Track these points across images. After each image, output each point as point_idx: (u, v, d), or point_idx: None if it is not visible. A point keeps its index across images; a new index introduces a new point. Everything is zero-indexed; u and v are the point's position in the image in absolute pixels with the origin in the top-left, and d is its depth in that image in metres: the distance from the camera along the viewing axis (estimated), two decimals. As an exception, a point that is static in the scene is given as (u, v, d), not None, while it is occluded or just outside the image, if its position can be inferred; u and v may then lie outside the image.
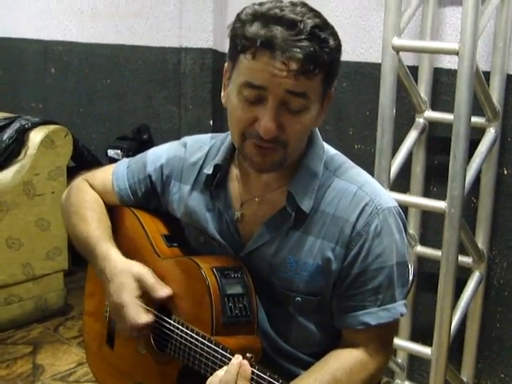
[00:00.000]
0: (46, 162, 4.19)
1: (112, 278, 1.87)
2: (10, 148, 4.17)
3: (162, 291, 1.82)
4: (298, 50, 1.60)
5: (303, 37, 1.61)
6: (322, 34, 1.64)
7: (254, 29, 1.64)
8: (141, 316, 1.80)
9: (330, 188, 1.84)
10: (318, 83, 1.69)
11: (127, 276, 1.84)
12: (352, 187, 1.82)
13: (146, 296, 1.85)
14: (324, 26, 1.67)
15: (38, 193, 4.17)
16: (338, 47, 1.71)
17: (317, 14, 1.69)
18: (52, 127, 4.24)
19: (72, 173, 4.01)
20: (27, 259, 4.20)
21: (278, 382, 1.55)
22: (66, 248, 4.35)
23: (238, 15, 1.71)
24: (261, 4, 1.70)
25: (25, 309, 4.27)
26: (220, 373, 1.61)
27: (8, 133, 4.22)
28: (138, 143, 4.64)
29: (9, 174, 4.12)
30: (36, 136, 4.19)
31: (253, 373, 1.58)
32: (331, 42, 1.67)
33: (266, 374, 1.57)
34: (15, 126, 4.24)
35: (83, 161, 4.51)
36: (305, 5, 1.70)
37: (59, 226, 4.26)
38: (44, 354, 3.97)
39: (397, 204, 1.87)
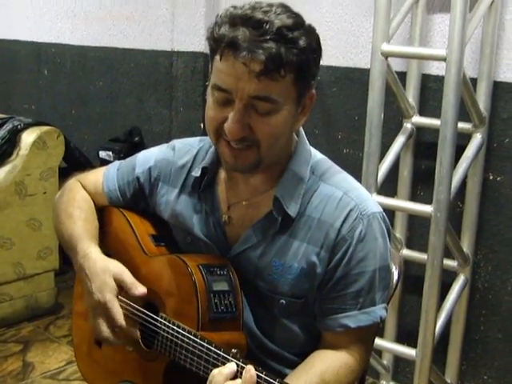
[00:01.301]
0: (37, 163, 4.19)
1: (93, 277, 1.86)
2: (2, 148, 4.17)
3: (138, 290, 1.82)
4: (261, 51, 1.58)
5: (268, 37, 1.59)
6: (290, 34, 1.62)
7: (222, 30, 1.64)
8: (121, 316, 1.79)
9: (316, 193, 1.84)
10: (287, 85, 1.67)
11: (108, 275, 1.84)
12: (338, 192, 1.82)
13: (125, 294, 1.86)
14: (295, 26, 1.64)
15: (29, 193, 4.17)
16: (311, 48, 1.67)
17: (292, 15, 1.67)
18: (44, 128, 4.24)
19: (64, 173, 4.01)
20: (18, 258, 4.21)
21: (275, 380, 1.55)
22: (56, 248, 4.35)
23: (216, 18, 1.71)
24: (239, 7, 1.69)
25: (15, 307, 4.27)
26: (224, 370, 1.59)
27: (0, 133, 4.22)
28: (129, 145, 4.65)
29: (1, 174, 4.12)
30: (28, 137, 4.19)
31: (259, 377, 1.56)
32: (301, 43, 1.63)
33: (262, 373, 1.56)
34: (8, 126, 4.25)
35: (75, 162, 4.51)
36: (282, 6, 1.68)
37: (50, 226, 4.17)
38: (34, 352, 3.97)
39: (381, 210, 1.86)
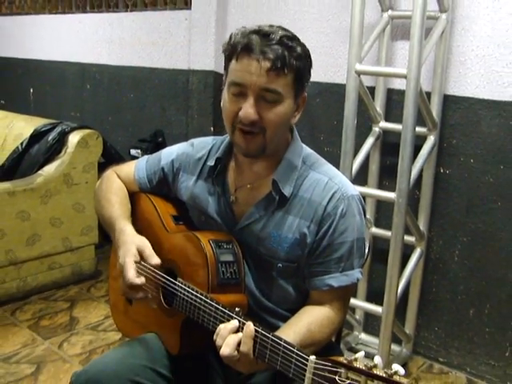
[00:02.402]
0: (81, 159, 4.18)
1: (121, 246, 1.87)
2: (53, 147, 4.17)
3: (153, 260, 1.81)
4: (270, 52, 1.66)
5: (274, 42, 1.68)
6: (290, 43, 1.70)
7: (237, 38, 1.72)
8: (134, 278, 1.78)
9: (306, 178, 1.85)
10: (289, 82, 1.72)
11: (133, 246, 1.84)
12: (324, 178, 1.84)
13: (143, 263, 1.86)
14: (292, 38, 1.73)
15: (75, 182, 4.16)
16: (305, 56, 1.75)
17: (289, 32, 1.75)
18: (87, 131, 4.23)
19: (102, 167, 4.02)
20: (66, 234, 4.20)
21: (259, 328, 1.57)
22: (96, 226, 4.35)
23: (229, 36, 1.78)
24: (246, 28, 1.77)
25: (64, 273, 4.27)
26: (228, 326, 1.61)
27: (52, 135, 4.21)
28: (154, 145, 4.65)
29: (52, 167, 4.12)
30: (74, 138, 4.18)
31: (257, 331, 1.58)
32: (298, 49, 1.72)
33: (258, 327, 1.58)
34: (58, 129, 4.24)
35: (111, 158, 4.48)
36: (281, 27, 1.75)
37: (92, 208, 4.23)
38: (79, 309, 3.97)
39: (359, 193, 1.88)
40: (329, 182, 1.83)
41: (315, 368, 1.42)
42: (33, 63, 6.17)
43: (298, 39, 1.75)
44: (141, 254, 1.84)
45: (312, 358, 1.44)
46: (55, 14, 5.85)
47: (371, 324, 3.70)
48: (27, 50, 6.22)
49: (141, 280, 1.79)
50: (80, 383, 1.78)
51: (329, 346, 1.90)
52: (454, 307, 3.39)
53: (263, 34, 1.70)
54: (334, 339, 2.11)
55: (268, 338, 1.56)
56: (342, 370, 1.35)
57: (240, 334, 1.59)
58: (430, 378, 3.36)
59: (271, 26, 1.75)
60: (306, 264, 1.84)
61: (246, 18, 4.06)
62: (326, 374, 1.39)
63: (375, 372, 1.29)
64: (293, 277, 1.87)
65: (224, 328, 1.61)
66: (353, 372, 1.33)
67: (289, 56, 1.68)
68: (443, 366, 3.47)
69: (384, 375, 1.27)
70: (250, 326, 1.59)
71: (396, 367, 1.28)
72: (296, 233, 1.82)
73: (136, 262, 1.81)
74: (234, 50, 1.72)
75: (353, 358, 1.34)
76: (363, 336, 3.71)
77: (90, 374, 1.78)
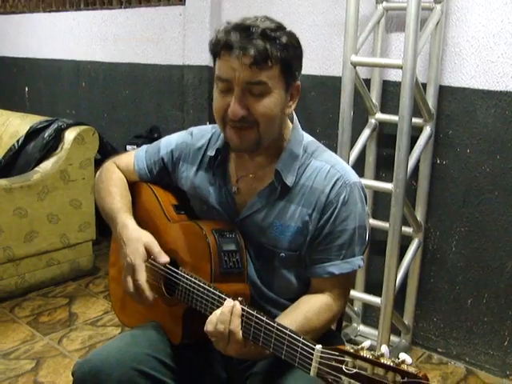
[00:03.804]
0: (78, 155, 4.16)
1: (128, 243, 1.85)
2: (49, 143, 4.15)
3: (162, 259, 1.81)
4: (250, 47, 1.62)
5: (255, 36, 1.63)
6: (273, 34, 1.66)
7: (219, 36, 1.68)
8: (144, 281, 1.78)
9: (308, 166, 1.83)
10: (275, 73, 1.68)
11: (140, 243, 1.83)
12: (326, 166, 1.82)
13: (151, 260, 1.85)
14: (277, 28, 1.68)
15: (71, 179, 4.15)
16: (293, 45, 1.71)
17: (274, 22, 1.72)
18: (83, 127, 4.22)
19: (98, 163, 4.01)
20: (64, 231, 4.19)
21: (264, 317, 1.56)
22: (94, 222, 4.34)
23: (214, 32, 1.75)
24: (233, 21, 1.73)
25: (62, 270, 4.26)
26: (217, 311, 1.62)
27: (48, 132, 4.20)
28: (150, 140, 4.54)
29: (49, 164, 4.10)
30: (70, 134, 4.16)
31: (243, 310, 1.59)
32: (283, 39, 1.67)
33: (254, 311, 1.58)
34: (54, 126, 4.22)
35: (107, 154, 4.45)
36: (266, 17, 1.72)
37: (89, 204, 4.26)
38: (77, 305, 3.95)
39: (360, 180, 1.87)
40: (331, 170, 1.81)
41: (321, 357, 1.40)
42: (28, 62, 6.15)
43: (284, 28, 1.72)
44: (149, 252, 1.83)
45: (318, 347, 1.42)
46: (49, 12, 5.83)
47: (370, 316, 3.70)
48: (22, 48, 6.19)
49: (152, 295, 1.80)
50: (82, 372, 1.76)
51: (330, 335, 1.89)
52: (452, 297, 3.38)
53: (243, 29, 1.66)
54: (334, 328, 2.10)
55: (262, 321, 1.55)
56: (349, 359, 1.34)
57: (220, 311, 1.61)
58: (429, 368, 3.35)
59: (255, 17, 1.71)
60: (307, 252, 1.83)
61: (240, 12, 4.04)
62: (333, 363, 1.37)
63: (382, 361, 1.27)
64: (295, 266, 1.86)
65: (213, 314, 1.63)
66: (360, 361, 1.32)
67: (271, 48, 1.64)
68: (442, 357, 3.46)
69: (391, 364, 1.26)
70: (236, 305, 1.60)
71: (403, 356, 1.27)
72: (298, 221, 1.80)
73: (145, 262, 1.81)
74: (216, 48, 1.70)
75: (359, 347, 1.33)
76: (362, 328, 3.70)
77: (92, 362, 1.76)
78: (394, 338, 3.45)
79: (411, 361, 1.27)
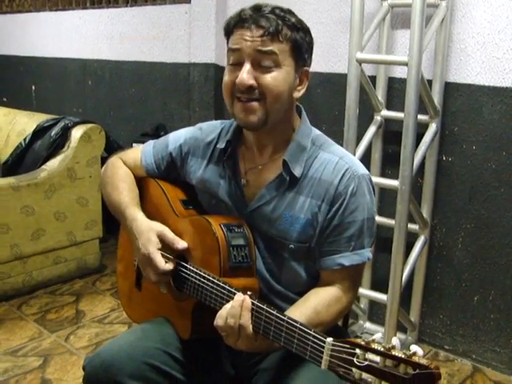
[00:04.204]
0: (84, 153, 4.18)
1: (139, 235, 1.86)
2: (56, 142, 4.17)
3: (180, 244, 1.82)
4: (262, 20, 1.70)
5: (266, 12, 1.72)
6: (282, 13, 1.74)
7: (233, 16, 1.77)
8: (164, 264, 1.80)
9: (316, 159, 1.84)
10: (285, 48, 1.73)
11: (152, 233, 1.84)
12: (334, 158, 1.83)
13: (166, 248, 1.85)
14: (286, 10, 1.77)
15: (78, 177, 4.16)
16: (301, 26, 1.78)
17: (284, 7, 1.79)
18: (89, 125, 4.23)
19: (105, 161, 3.99)
20: (70, 229, 4.20)
21: (274, 311, 1.56)
22: (100, 220, 4.35)
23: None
24: None
25: (69, 267, 4.27)
26: (227, 306, 1.63)
27: (55, 130, 4.21)
28: (156, 138, 4.61)
29: (56, 162, 4.12)
30: (77, 132, 4.18)
31: (253, 304, 1.60)
32: (292, 19, 1.75)
33: (264, 305, 1.58)
34: (61, 124, 4.23)
35: (113, 152, 4.44)
36: (277, 6, 1.78)
37: (96, 202, 4.28)
38: (84, 302, 3.96)
39: (368, 172, 1.87)
40: (339, 162, 1.82)
41: (332, 350, 1.40)
42: (34, 60, 6.15)
43: (294, 13, 1.79)
44: (162, 239, 1.84)
45: (329, 339, 1.42)
46: (56, 11, 5.84)
47: (376, 313, 3.70)
48: (28, 47, 6.20)
49: (171, 265, 1.82)
50: (94, 366, 1.77)
51: (337, 332, 1.89)
52: (458, 294, 3.38)
53: (256, 7, 1.74)
54: (341, 324, 2.10)
55: (272, 314, 1.56)
56: (360, 352, 1.33)
57: (230, 305, 1.62)
58: (435, 365, 3.34)
59: (267, 4, 1.78)
60: (316, 244, 1.83)
61: (246, 10, 4.04)
62: (344, 356, 1.37)
63: (393, 353, 1.27)
64: (304, 258, 1.86)
65: (223, 308, 1.64)
66: (370, 353, 1.31)
67: (282, 24, 1.71)
68: (449, 354, 3.45)
69: (402, 356, 1.25)
70: (246, 299, 1.60)
71: (414, 348, 1.26)
72: (308, 213, 1.81)
73: (159, 250, 1.82)
74: (229, 26, 1.77)
75: (370, 339, 1.33)
76: (368, 325, 3.70)
77: (103, 356, 1.77)
78: (400, 336, 3.44)
79: (422, 352, 1.27)
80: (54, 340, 3.47)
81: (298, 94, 1.83)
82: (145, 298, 2.08)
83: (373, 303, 3.67)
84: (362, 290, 3.43)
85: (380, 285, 3.47)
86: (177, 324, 1.91)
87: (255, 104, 1.74)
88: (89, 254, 4.37)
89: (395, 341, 1.31)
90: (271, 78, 1.72)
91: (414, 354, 1.25)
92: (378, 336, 1.35)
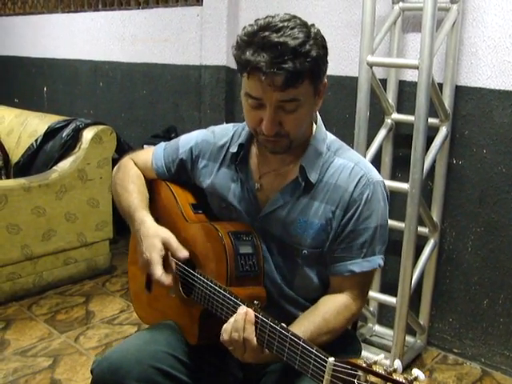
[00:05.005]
0: (95, 154, 4.19)
1: (144, 239, 1.86)
2: (67, 143, 4.18)
3: (182, 253, 1.82)
4: (281, 72, 1.57)
5: (286, 58, 1.57)
6: (303, 50, 1.59)
7: (247, 55, 1.61)
8: (161, 274, 1.79)
9: (332, 164, 1.83)
10: (306, 86, 1.65)
11: (156, 239, 1.84)
12: (350, 164, 1.82)
13: (169, 256, 1.85)
14: (306, 40, 1.61)
15: (89, 178, 4.17)
16: (320, 54, 1.65)
17: (302, 27, 1.64)
18: (100, 127, 4.24)
19: (116, 163, 4.01)
20: (81, 230, 4.21)
21: (278, 325, 1.55)
22: (111, 221, 4.36)
23: (237, 37, 1.69)
24: (255, 23, 1.66)
25: (79, 268, 4.28)
26: (231, 320, 1.63)
27: (66, 131, 4.23)
28: (167, 140, 4.61)
29: (67, 163, 4.13)
30: (88, 134, 4.19)
31: (257, 318, 1.59)
32: (313, 53, 1.61)
33: (268, 319, 1.57)
34: (72, 126, 4.25)
35: (124, 153, 4.47)
36: (293, 19, 1.66)
37: (106, 203, 4.28)
38: (94, 303, 3.97)
39: (383, 179, 1.86)
40: (355, 168, 1.81)
41: (334, 370, 1.40)
42: (46, 62, 6.18)
43: (311, 35, 1.63)
44: (167, 247, 1.83)
45: (331, 359, 1.41)
46: (68, 12, 5.87)
47: (385, 316, 3.69)
48: (40, 49, 6.23)
49: (168, 280, 1.80)
50: (101, 370, 1.78)
51: (346, 335, 1.89)
52: (467, 298, 3.37)
53: (272, 48, 1.58)
54: (350, 327, 2.09)
55: (276, 329, 1.55)
56: (361, 373, 1.33)
57: (233, 319, 1.62)
58: (444, 369, 3.34)
59: (281, 19, 1.64)
60: (328, 249, 1.83)
61: (257, 12, 4.05)
62: (345, 377, 1.36)
63: (395, 377, 1.26)
64: (317, 264, 1.86)
65: (228, 323, 1.64)
66: (372, 375, 1.31)
67: (302, 66, 1.59)
68: (458, 357, 3.45)
69: (404, 381, 1.25)
70: (249, 312, 1.60)
71: (416, 372, 1.26)
72: (322, 218, 1.80)
73: (162, 257, 1.82)
74: (244, 67, 1.64)
75: (372, 361, 1.32)
76: (377, 328, 3.69)
77: (111, 360, 1.78)
78: (409, 339, 3.43)
79: (424, 377, 1.27)
80: (64, 340, 3.48)
81: (316, 109, 1.82)
82: (155, 300, 2.08)
83: (382, 306, 3.66)
84: (372, 293, 3.42)
85: (389, 288, 3.46)
86: (184, 329, 1.91)
87: (280, 140, 1.72)
88: (99, 255, 4.39)
89: (397, 363, 1.30)
90: (295, 120, 1.69)
91: (416, 378, 1.25)
92: (380, 357, 1.34)
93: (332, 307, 1.78)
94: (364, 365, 1.32)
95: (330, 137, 1.92)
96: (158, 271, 1.79)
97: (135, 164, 2.18)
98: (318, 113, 1.91)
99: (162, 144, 2.20)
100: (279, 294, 1.88)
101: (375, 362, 1.32)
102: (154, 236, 1.85)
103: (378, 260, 1.84)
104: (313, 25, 1.70)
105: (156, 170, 2.13)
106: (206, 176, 2.03)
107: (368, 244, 1.80)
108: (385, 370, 1.29)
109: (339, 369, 1.38)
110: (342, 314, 1.79)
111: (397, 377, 1.26)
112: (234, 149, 1.94)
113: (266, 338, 1.57)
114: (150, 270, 1.81)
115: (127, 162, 2.20)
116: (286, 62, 1.57)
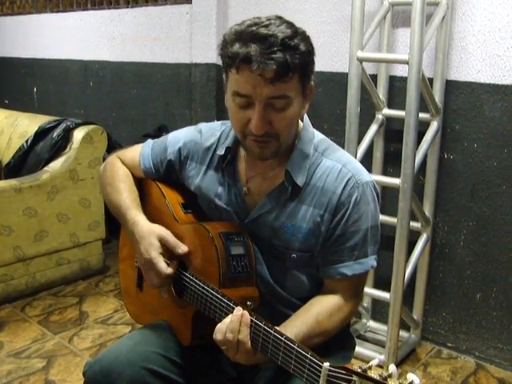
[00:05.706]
0: (86, 154, 4.18)
1: (141, 239, 1.85)
2: (58, 143, 4.17)
3: (181, 249, 1.81)
4: (272, 62, 1.55)
5: (275, 49, 1.55)
6: (292, 43, 1.58)
7: (235, 48, 1.59)
8: (167, 268, 1.80)
9: (319, 166, 1.80)
10: (295, 83, 1.63)
11: (153, 237, 1.83)
12: (337, 165, 1.79)
13: (167, 253, 1.84)
14: (294, 35, 1.60)
15: (80, 178, 4.16)
16: (308, 50, 1.64)
17: (288, 25, 1.62)
18: (91, 127, 4.23)
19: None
20: (73, 230, 4.20)
21: (272, 329, 1.55)
22: (103, 221, 4.35)
23: (224, 36, 1.67)
24: (241, 23, 1.64)
25: (72, 269, 4.27)
26: (226, 320, 1.62)
27: (57, 131, 4.21)
28: (158, 139, 4.64)
29: (58, 163, 4.12)
30: (79, 134, 4.18)
31: (252, 321, 1.58)
32: (302, 48, 1.60)
33: (262, 322, 1.57)
34: (62, 126, 4.24)
35: (115, 153, 4.50)
36: (279, 18, 1.64)
37: (98, 203, 4.27)
38: (88, 304, 3.97)
39: (373, 179, 1.84)
40: (342, 170, 1.78)
41: (329, 375, 1.39)
42: (36, 62, 6.16)
43: (299, 32, 1.63)
44: (164, 244, 1.83)
45: (326, 364, 1.40)
46: (56, 12, 5.84)
47: (379, 311, 3.70)
48: (30, 49, 6.20)
49: (173, 269, 1.82)
50: (93, 372, 1.77)
51: (340, 332, 1.88)
52: (461, 292, 3.38)
53: (262, 40, 1.57)
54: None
55: (270, 333, 1.54)
56: (356, 379, 1.32)
57: (229, 320, 1.61)
58: (438, 363, 3.35)
59: (268, 19, 1.63)
60: (319, 252, 1.82)
61: (247, 10, 4.04)
62: (340, 382, 1.36)
63: (390, 382, 1.26)
64: (307, 266, 1.85)
65: (222, 322, 1.62)
66: (367, 381, 1.30)
67: (292, 59, 1.57)
68: (452, 351, 3.45)
69: None
70: (245, 314, 1.59)
71: (411, 377, 1.26)
72: (310, 222, 1.78)
73: (161, 254, 1.82)
74: (233, 60, 1.61)
75: (367, 366, 1.31)
76: (371, 323, 3.70)
77: (103, 362, 1.77)
78: (403, 333, 3.43)
79: (419, 381, 1.27)
80: (58, 341, 3.47)
81: (303, 112, 1.78)
82: (146, 299, 2.07)
83: (376, 301, 3.67)
84: (365, 289, 3.41)
85: (383, 283, 3.46)
86: (177, 330, 1.90)
87: (269, 140, 1.69)
88: (92, 256, 4.38)
89: (392, 368, 1.30)
90: (285, 119, 1.67)
91: (411, 383, 1.25)
92: (375, 362, 1.33)
93: (325, 309, 1.77)
94: (359, 370, 1.31)
95: (318, 136, 1.89)
96: (164, 268, 1.80)
97: (122, 162, 2.15)
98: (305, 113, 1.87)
99: (150, 142, 2.16)
100: (272, 294, 1.87)
101: (370, 367, 1.31)
102: (149, 234, 1.85)
103: (371, 261, 1.82)
104: (302, 30, 1.68)
105: (144, 171, 2.11)
106: (193, 178, 2.00)
107: (359, 246, 1.79)
108: (380, 375, 1.28)
109: (334, 374, 1.38)
110: (335, 316, 1.78)
111: (392, 382, 1.26)
112: (221, 151, 1.92)
113: (261, 341, 1.56)
114: (155, 269, 1.80)
115: (114, 160, 2.17)
116: (276, 53, 1.56)
